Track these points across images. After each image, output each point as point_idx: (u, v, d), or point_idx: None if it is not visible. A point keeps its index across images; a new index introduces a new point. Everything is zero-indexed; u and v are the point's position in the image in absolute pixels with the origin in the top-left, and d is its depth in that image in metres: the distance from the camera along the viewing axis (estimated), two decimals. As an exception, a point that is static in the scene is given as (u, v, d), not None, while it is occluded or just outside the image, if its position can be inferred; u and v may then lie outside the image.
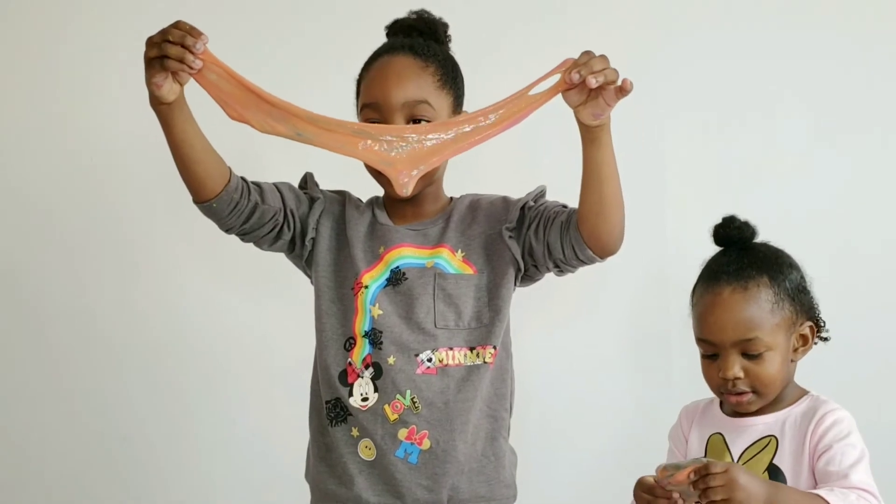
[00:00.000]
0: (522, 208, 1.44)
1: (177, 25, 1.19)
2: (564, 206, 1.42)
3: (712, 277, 1.32)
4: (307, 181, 1.51)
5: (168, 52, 1.17)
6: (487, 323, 1.43)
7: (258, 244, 1.46)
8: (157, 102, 1.23)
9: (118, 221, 2.15)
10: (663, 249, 2.09)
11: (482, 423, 1.44)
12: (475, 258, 1.45)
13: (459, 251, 1.45)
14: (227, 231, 1.41)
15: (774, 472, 1.25)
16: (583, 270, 1.41)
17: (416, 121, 1.39)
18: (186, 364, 2.14)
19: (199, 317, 2.15)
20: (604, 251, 1.35)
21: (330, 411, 1.44)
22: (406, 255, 1.44)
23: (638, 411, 2.07)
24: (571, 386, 2.11)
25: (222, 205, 1.35)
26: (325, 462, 1.46)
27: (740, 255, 1.32)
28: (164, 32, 1.19)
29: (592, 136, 1.26)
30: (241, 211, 1.37)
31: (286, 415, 1.76)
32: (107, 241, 2.15)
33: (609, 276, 2.03)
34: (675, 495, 1.20)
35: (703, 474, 1.12)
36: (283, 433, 1.86)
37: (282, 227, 1.43)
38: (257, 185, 1.40)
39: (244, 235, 1.43)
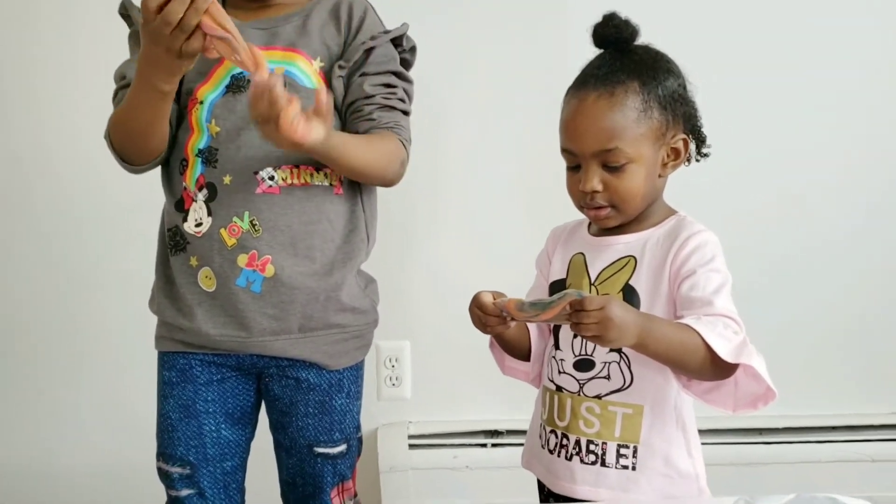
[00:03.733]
0: (368, 52, 1.32)
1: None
2: (385, 107, 1.34)
3: (581, 82, 1.20)
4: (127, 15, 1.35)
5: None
6: None
7: None
8: (165, 88, 1.19)
9: None
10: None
11: (334, 251, 1.34)
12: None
13: (318, 60, 1.31)
14: None
15: (630, 294, 1.18)
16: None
17: None
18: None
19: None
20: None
21: (170, 240, 1.34)
22: None
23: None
24: (464, 231, 2.04)
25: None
26: (165, 293, 1.37)
27: (615, 58, 1.20)
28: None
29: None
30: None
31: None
32: None
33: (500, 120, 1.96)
34: (506, 314, 1.14)
35: (577, 309, 1.03)
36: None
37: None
38: None
39: None
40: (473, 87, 1.98)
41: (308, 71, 1.30)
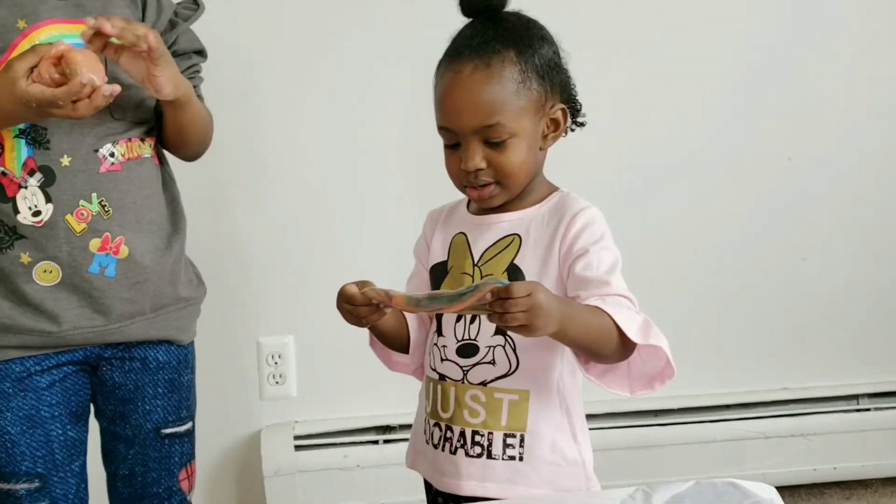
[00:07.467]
0: (174, 26, 1.31)
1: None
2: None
3: (454, 53, 1.12)
4: None
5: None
6: (152, 108, 1.28)
7: None
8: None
9: None
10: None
11: (167, 223, 1.31)
12: None
13: None
14: None
15: (514, 273, 1.12)
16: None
17: None
18: None
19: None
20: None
21: None
22: (57, 35, 1.16)
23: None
24: (345, 219, 1.94)
25: None
26: None
27: (486, 27, 1.12)
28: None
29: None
30: None
31: None
32: None
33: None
34: (377, 303, 1.05)
35: (502, 297, 0.95)
36: None
37: None
38: None
39: None
40: (344, 66, 1.88)
41: None
